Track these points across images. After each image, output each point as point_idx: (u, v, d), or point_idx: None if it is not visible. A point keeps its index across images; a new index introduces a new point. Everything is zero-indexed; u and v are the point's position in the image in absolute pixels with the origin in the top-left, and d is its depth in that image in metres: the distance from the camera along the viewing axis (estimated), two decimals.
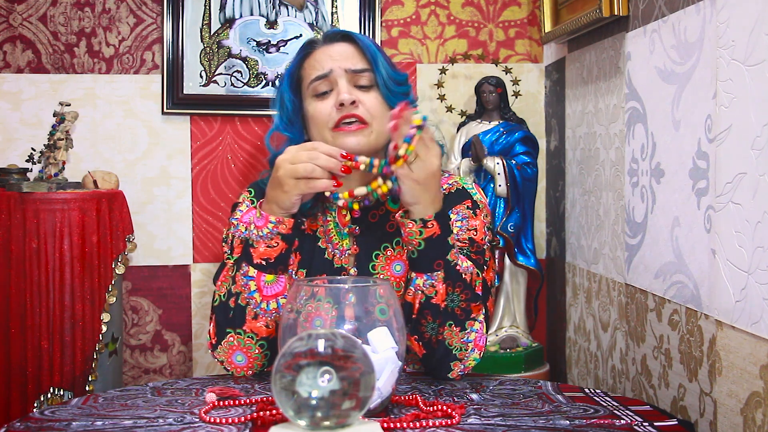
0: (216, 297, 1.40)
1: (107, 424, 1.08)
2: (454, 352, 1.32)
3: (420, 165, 1.25)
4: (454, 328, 1.31)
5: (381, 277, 1.44)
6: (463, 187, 1.48)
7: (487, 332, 1.38)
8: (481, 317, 1.34)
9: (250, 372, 1.37)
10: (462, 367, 1.34)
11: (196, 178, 2.52)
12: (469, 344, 1.33)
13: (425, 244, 1.29)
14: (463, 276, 1.32)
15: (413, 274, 1.32)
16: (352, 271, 1.45)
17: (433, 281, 1.31)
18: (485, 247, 1.43)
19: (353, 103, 1.40)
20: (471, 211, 1.44)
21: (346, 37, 1.48)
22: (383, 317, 1.13)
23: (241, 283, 1.34)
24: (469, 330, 1.32)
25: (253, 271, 1.33)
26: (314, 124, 1.44)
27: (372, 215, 1.48)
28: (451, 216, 1.43)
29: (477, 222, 1.43)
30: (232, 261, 1.44)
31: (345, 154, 1.29)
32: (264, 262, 1.33)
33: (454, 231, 1.41)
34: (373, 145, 1.43)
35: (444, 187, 1.47)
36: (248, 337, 1.35)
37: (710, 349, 1.48)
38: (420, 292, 1.31)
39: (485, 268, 1.42)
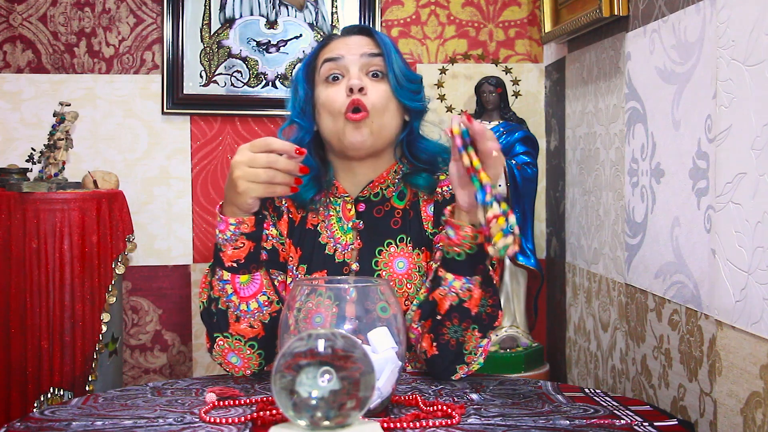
0: (200, 303, 1.40)
1: (107, 424, 1.08)
2: (465, 357, 1.32)
3: (496, 163, 1.22)
4: (477, 333, 1.31)
5: (383, 273, 1.44)
6: None
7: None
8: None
9: (249, 372, 1.37)
10: (467, 369, 1.34)
11: (196, 178, 2.52)
12: (479, 349, 1.33)
13: (477, 248, 1.28)
14: (494, 281, 1.33)
15: (450, 276, 1.30)
16: (354, 266, 1.45)
17: (471, 285, 1.29)
18: None
19: (361, 90, 1.41)
20: None
21: (363, 30, 1.51)
22: (384, 315, 1.13)
23: (218, 287, 1.34)
24: (486, 338, 1.33)
25: (227, 275, 1.33)
26: (326, 111, 1.43)
27: (377, 210, 1.48)
28: None
29: None
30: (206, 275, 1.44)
31: (300, 150, 1.25)
32: (235, 264, 1.32)
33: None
34: (376, 138, 1.42)
35: (450, 187, 1.46)
36: (236, 339, 1.34)
37: (710, 349, 1.48)
38: (454, 294, 1.30)
39: (493, 271, 1.42)
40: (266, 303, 1.34)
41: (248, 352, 1.35)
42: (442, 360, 1.33)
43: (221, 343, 1.35)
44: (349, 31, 1.52)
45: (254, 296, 1.34)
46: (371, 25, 2.51)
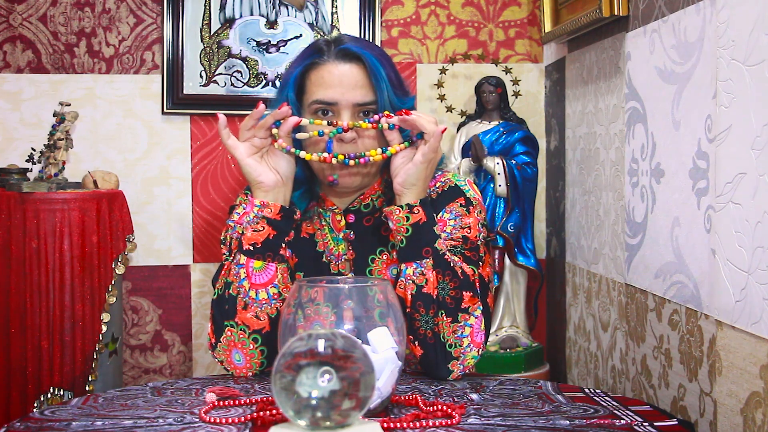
0: (214, 292, 1.40)
1: (107, 424, 1.08)
2: (449, 349, 1.32)
3: (431, 145, 1.32)
4: (446, 318, 1.31)
5: (373, 273, 1.44)
6: (455, 184, 1.47)
7: (488, 330, 1.38)
8: (478, 312, 1.34)
9: (250, 373, 1.37)
10: (461, 366, 1.34)
11: (196, 178, 2.52)
12: (464, 339, 1.32)
13: (412, 230, 1.33)
14: (452, 265, 1.33)
15: (403, 266, 1.34)
16: (349, 276, 1.45)
17: (423, 269, 1.32)
18: (479, 243, 1.42)
19: (353, 139, 1.39)
20: (464, 209, 1.43)
21: (357, 58, 1.40)
22: (382, 321, 1.13)
23: (234, 272, 1.36)
24: (462, 323, 1.32)
25: (243, 259, 1.35)
26: (311, 147, 1.41)
27: (367, 219, 1.48)
28: (444, 215, 1.42)
29: (470, 219, 1.42)
30: (229, 262, 1.44)
31: (258, 102, 1.36)
32: (251, 247, 1.34)
33: (448, 230, 1.41)
34: (364, 178, 1.42)
35: (437, 186, 1.46)
36: (241, 329, 1.35)
37: (710, 349, 1.48)
38: (411, 282, 1.33)
39: (481, 264, 1.41)
40: (276, 296, 1.35)
41: (251, 346, 1.35)
42: (431, 358, 1.33)
43: (228, 333, 1.35)
44: (343, 55, 1.40)
45: (265, 286, 1.35)
46: (371, 25, 2.51)
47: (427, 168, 1.34)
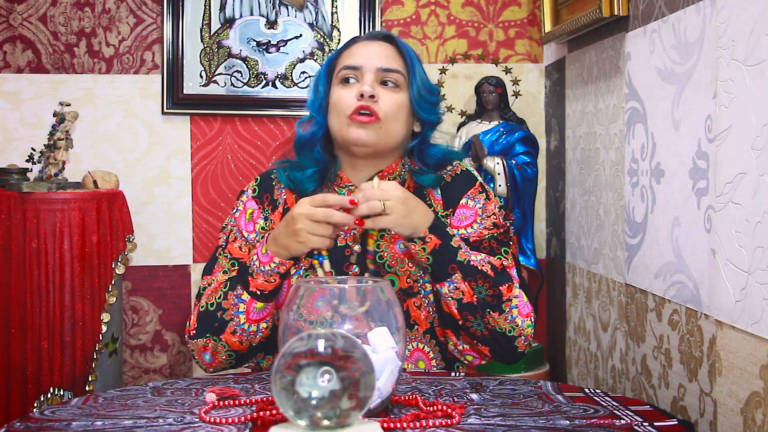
0: (203, 302, 1.43)
1: (107, 424, 1.08)
2: (509, 334, 1.39)
3: (389, 217, 1.34)
4: (494, 314, 1.37)
5: (385, 254, 1.45)
6: (466, 168, 1.55)
7: (529, 296, 1.43)
8: (517, 292, 1.40)
9: (211, 370, 1.45)
10: (523, 339, 1.40)
11: (196, 178, 2.52)
12: (516, 320, 1.38)
13: (433, 257, 1.38)
14: (480, 268, 1.39)
15: (437, 286, 1.40)
16: (356, 248, 1.47)
17: (456, 284, 1.38)
18: (507, 223, 1.50)
19: (372, 96, 1.44)
20: (484, 196, 1.51)
21: (387, 37, 1.53)
22: (382, 321, 1.13)
23: (232, 302, 1.41)
24: (509, 310, 1.38)
25: (246, 296, 1.40)
26: (335, 111, 1.48)
27: None
28: (469, 202, 1.49)
29: (492, 206, 1.50)
30: (223, 256, 1.50)
31: (354, 201, 1.34)
32: (259, 293, 1.40)
33: (479, 221, 1.47)
34: (381, 141, 1.46)
35: (448, 169, 1.53)
36: (221, 344, 1.42)
37: (710, 349, 1.48)
38: (450, 299, 1.39)
39: (511, 243, 1.48)
40: (264, 329, 1.42)
41: (224, 357, 1.43)
42: (497, 350, 1.41)
43: (207, 341, 1.42)
44: (374, 36, 1.55)
45: (258, 321, 1.41)
46: (371, 25, 2.51)
47: (397, 220, 1.34)
